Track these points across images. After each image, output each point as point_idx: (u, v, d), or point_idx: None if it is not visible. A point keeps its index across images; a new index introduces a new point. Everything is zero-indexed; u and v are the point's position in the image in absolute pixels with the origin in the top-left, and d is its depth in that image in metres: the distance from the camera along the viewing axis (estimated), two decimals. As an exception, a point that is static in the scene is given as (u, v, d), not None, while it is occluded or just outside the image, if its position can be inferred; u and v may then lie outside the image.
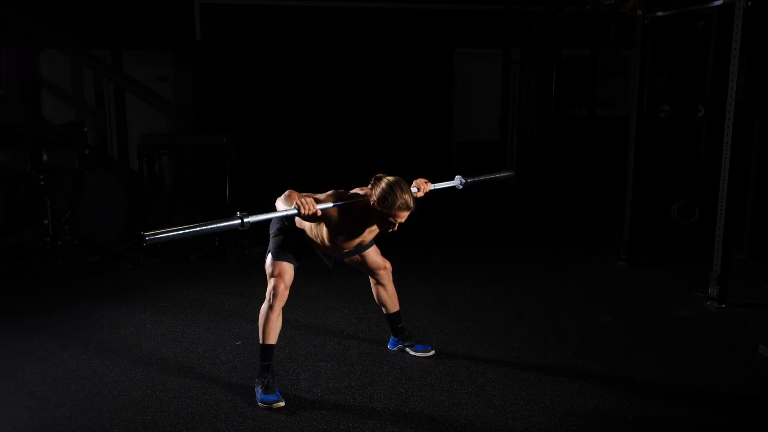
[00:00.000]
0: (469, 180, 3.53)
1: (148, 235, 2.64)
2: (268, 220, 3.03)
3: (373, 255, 3.47)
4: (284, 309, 3.19)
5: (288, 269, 3.18)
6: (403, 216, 2.96)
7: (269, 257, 3.21)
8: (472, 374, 3.44)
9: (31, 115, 7.25)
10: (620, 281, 5.20)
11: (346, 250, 3.28)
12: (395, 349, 3.73)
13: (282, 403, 3.07)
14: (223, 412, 3.04)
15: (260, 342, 3.19)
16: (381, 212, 2.94)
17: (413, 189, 3.19)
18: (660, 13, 5.23)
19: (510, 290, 4.92)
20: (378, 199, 2.92)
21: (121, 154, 8.28)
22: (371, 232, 3.20)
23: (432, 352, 3.68)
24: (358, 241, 3.21)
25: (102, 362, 3.60)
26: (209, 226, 2.81)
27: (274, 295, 3.14)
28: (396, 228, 3.01)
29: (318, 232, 3.13)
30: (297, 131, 8.14)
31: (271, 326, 3.16)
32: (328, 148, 8.23)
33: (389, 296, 3.61)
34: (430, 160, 8.31)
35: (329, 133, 8.23)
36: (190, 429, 2.89)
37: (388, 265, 3.53)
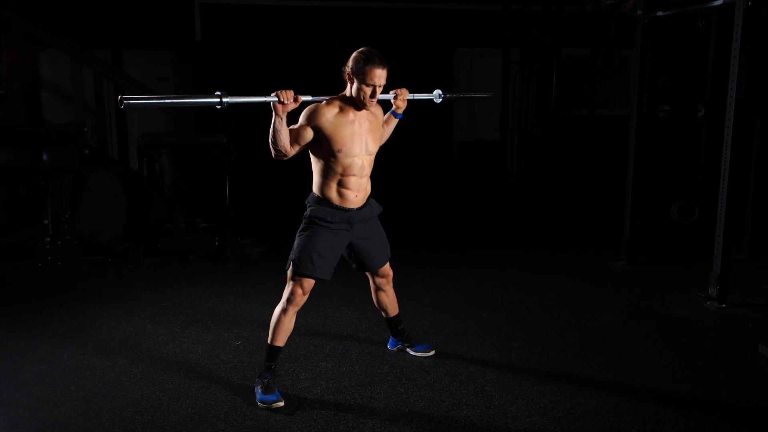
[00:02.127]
0: (447, 95, 3.58)
1: (125, 98, 2.62)
2: (247, 104, 2.97)
3: (387, 264, 3.46)
4: (296, 312, 3.18)
5: (310, 279, 3.11)
6: (378, 75, 2.96)
7: (291, 264, 3.11)
8: (472, 374, 3.44)
9: (31, 115, 7.25)
10: (620, 281, 5.20)
11: (360, 162, 3.10)
12: (395, 349, 3.73)
13: (281, 403, 3.07)
14: (222, 412, 3.04)
15: (268, 342, 3.18)
16: (357, 81, 2.98)
17: (391, 95, 3.27)
18: (660, 13, 5.23)
19: (510, 290, 4.92)
20: (351, 68, 2.99)
21: (121, 154, 8.28)
22: (369, 130, 3.12)
23: (432, 352, 3.68)
24: (361, 140, 3.09)
25: (102, 362, 3.60)
26: (188, 99, 2.90)
27: (290, 300, 3.11)
28: (376, 96, 3.01)
29: (328, 159, 3.04)
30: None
31: (282, 328, 3.15)
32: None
33: (390, 301, 3.60)
34: (430, 160, 8.31)
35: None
36: (190, 429, 2.89)
37: (390, 272, 3.53)
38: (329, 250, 3.14)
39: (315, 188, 3.18)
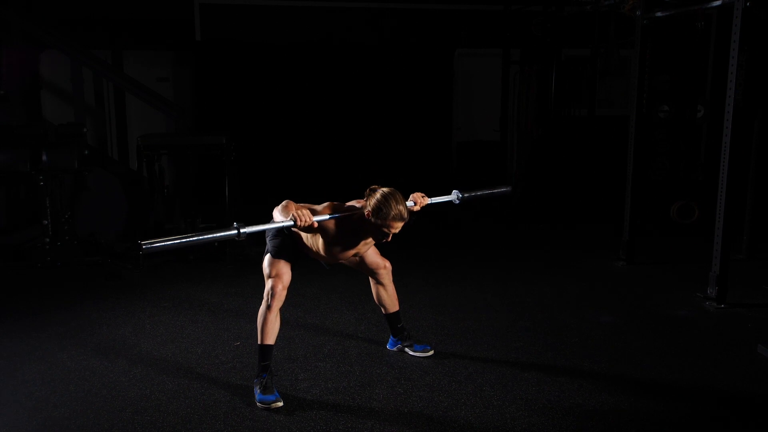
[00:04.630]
0: (466, 195, 3.55)
1: (145, 244, 2.65)
2: (264, 231, 3.03)
3: (372, 255, 3.49)
4: (283, 309, 3.20)
5: (286, 270, 3.19)
6: (398, 227, 3.00)
7: (267, 257, 3.22)
8: (471, 374, 3.44)
9: (31, 115, 7.26)
10: (620, 281, 5.20)
11: (341, 261, 3.32)
12: (394, 349, 3.73)
13: (280, 403, 3.08)
14: (221, 412, 3.04)
15: (258, 342, 3.20)
16: (375, 223, 2.98)
17: (410, 203, 3.23)
18: (659, 14, 5.23)
19: (509, 290, 4.93)
20: (373, 210, 2.96)
21: (121, 154, 8.29)
22: (366, 244, 3.24)
23: (431, 352, 3.68)
24: (353, 252, 3.24)
25: (101, 362, 3.60)
26: (206, 236, 2.85)
27: (272, 295, 3.15)
28: (390, 239, 3.05)
29: (314, 242, 3.16)
30: (297, 131, 8.15)
31: (270, 327, 3.17)
32: (327, 147, 8.23)
33: (389, 296, 3.61)
34: (430, 159, 8.32)
35: (329, 133, 8.24)
36: (189, 429, 2.89)
37: (387, 264, 3.54)
38: (295, 246, 3.28)
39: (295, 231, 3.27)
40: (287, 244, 3.23)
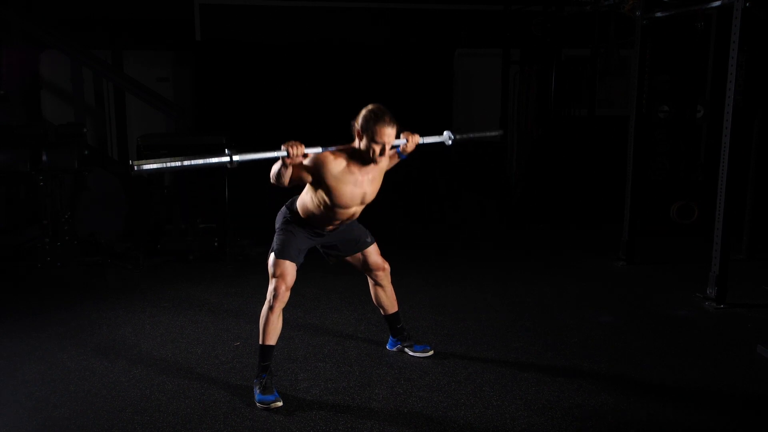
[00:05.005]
0: (458, 136, 3.58)
1: (135, 164, 2.65)
2: (255, 161, 2.99)
3: (374, 255, 3.50)
4: (283, 309, 3.20)
5: (290, 270, 3.19)
6: (388, 134, 3.01)
7: (272, 256, 3.22)
8: (470, 374, 3.44)
9: (31, 115, 7.25)
10: (619, 281, 5.20)
11: (351, 210, 3.22)
12: (394, 349, 3.74)
13: (280, 404, 3.08)
14: (221, 412, 3.04)
15: (260, 342, 3.20)
16: (366, 138, 3.01)
17: (402, 140, 3.26)
18: (659, 14, 5.23)
19: (509, 290, 4.93)
20: (360, 125, 3.02)
21: (120, 155, 8.28)
22: (371, 181, 3.18)
23: (431, 353, 3.68)
24: (360, 193, 3.16)
25: (101, 363, 3.60)
26: (198, 161, 2.88)
27: (275, 296, 3.15)
28: (385, 153, 3.05)
29: (320, 198, 3.12)
30: (296, 131, 8.13)
31: (271, 327, 3.17)
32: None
33: (388, 297, 3.62)
34: (429, 159, 8.31)
35: (329, 133, 8.22)
36: (189, 429, 2.90)
37: (387, 266, 3.55)
38: (303, 244, 3.29)
39: (299, 204, 3.27)
40: (294, 237, 3.22)
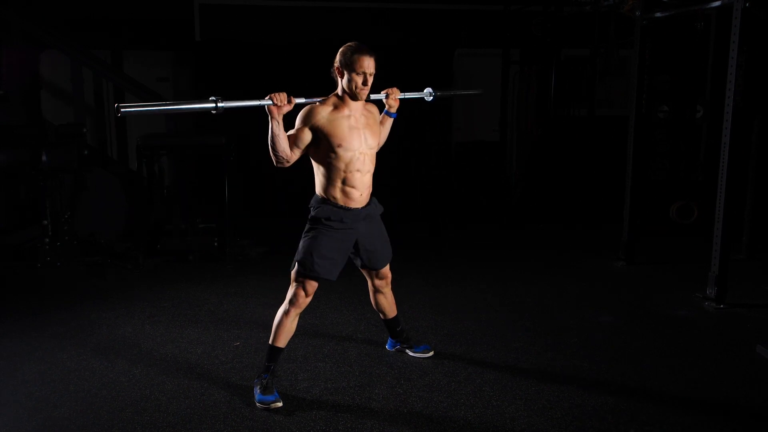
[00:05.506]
0: (438, 93, 3.64)
1: (122, 106, 2.63)
2: (242, 108, 2.97)
3: (386, 268, 3.46)
4: (299, 314, 3.18)
5: (313, 281, 3.12)
6: (367, 64, 3.01)
7: (296, 266, 3.12)
8: (470, 374, 3.44)
9: (30, 115, 7.25)
10: (619, 281, 5.20)
11: (362, 158, 3.10)
12: (393, 349, 3.74)
13: (280, 404, 3.08)
14: (221, 412, 3.05)
15: (270, 342, 3.19)
16: (347, 73, 3.02)
17: (382, 95, 3.31)
18: (658, 14, 5.23)
19: (509, 290, 4.93)
20: (339, 62, 3.06)
21: (120, 155, 8.29)
22: (366, 125, 3.14)
23: (431, 353, 3.68)
24: (360, 135, 3.10)
25: (101, 362, 3.60)
26: (183, 106, 2.90)
27: (293, 302, 3.12)
28: (368, 84, 3.04)
29: (329, 157, 3.04)
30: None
31: (284, 329, 3.15)
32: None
33: (388, 303, 3.60)
34: (429, 160, 8.31)
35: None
36: (189, 429, 2.90)
37: (390, 274, 3.53)
38: (334, 251, 3.13)
39: (318, 190, 3.18)
40: (323, 243, 3.08)
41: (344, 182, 3.11)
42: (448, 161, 8.18)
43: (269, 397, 3.09)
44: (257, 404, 3.08)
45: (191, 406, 3.11)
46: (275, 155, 2.99)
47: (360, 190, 3.14)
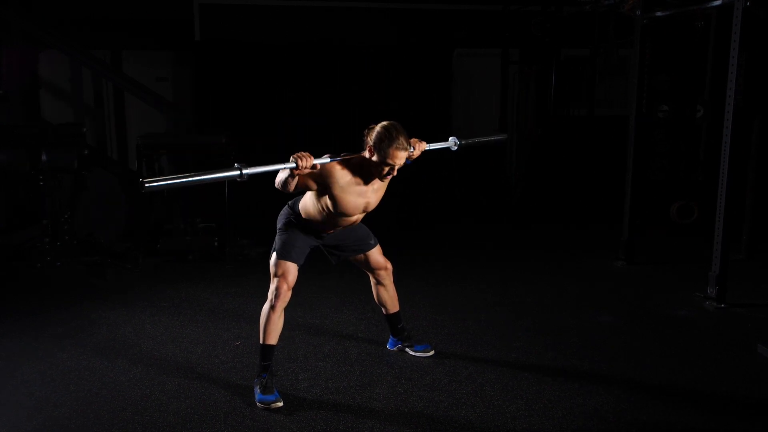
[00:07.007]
0: (463, 142, 3.57)
1: (147, 182, 2.66)
2: (266, 173, 2.96)
3: (376, 254, 3.50)
4: (284, 309, 3.19)
5: (292, 270, 3.19)
6: (400, 157, 2.99)
7: (274, 256, 3.22)
8: (471, 374, 3.44)
9: (30, 115, 7.25)
10: (619, 281, 5.20)
11: (353, 218, 3.22)
12: (394, 349, 3.73)
13: (280, 404, 3.07)
14: (222, 412, 3.04)
15: (260, 342, 3.20)
16: (378, 157, 2.99)
17: (410, 148, 3.25)
18: (659, 13, 5.23)
19: (509, 290, 4.93)
20: (374, 143, 2.99)
21: (120, 154, 8.28)
22: (375, 191, 3.17)
23: (431, 352, 3.68)
24: (363, 203, 3.15)
25: (101, 362, 3.60)
26: (209, 176, 2.86)
27: (277, 295, 3.15)
28: (395, 172, 3.04)
29: (323, 204, 3.11)
30: (296, 131, 8.14)
31: (272, 326, 3.17)
32: (327, 147, 8.20)
33: (389, 297, 3.61)
34: (429, 160, 8.30)
35: (328, 133, 8.23)
36: (189, 429, 2.89)
37: (389, 265, 3.55)
38: (304, 244, 3.28)
39: (301, 206, 3.25)
40: (296, 238, 3.23)
41: (325, 222, 3.21)
42: (448, 161, 8.18)
43: (270, 397, 3.09)
44: (258, 404, 3.08)
45: (191, 405, 3.10)
46: (281, 188, 3.05)
47: (343, 227, 3.28)
